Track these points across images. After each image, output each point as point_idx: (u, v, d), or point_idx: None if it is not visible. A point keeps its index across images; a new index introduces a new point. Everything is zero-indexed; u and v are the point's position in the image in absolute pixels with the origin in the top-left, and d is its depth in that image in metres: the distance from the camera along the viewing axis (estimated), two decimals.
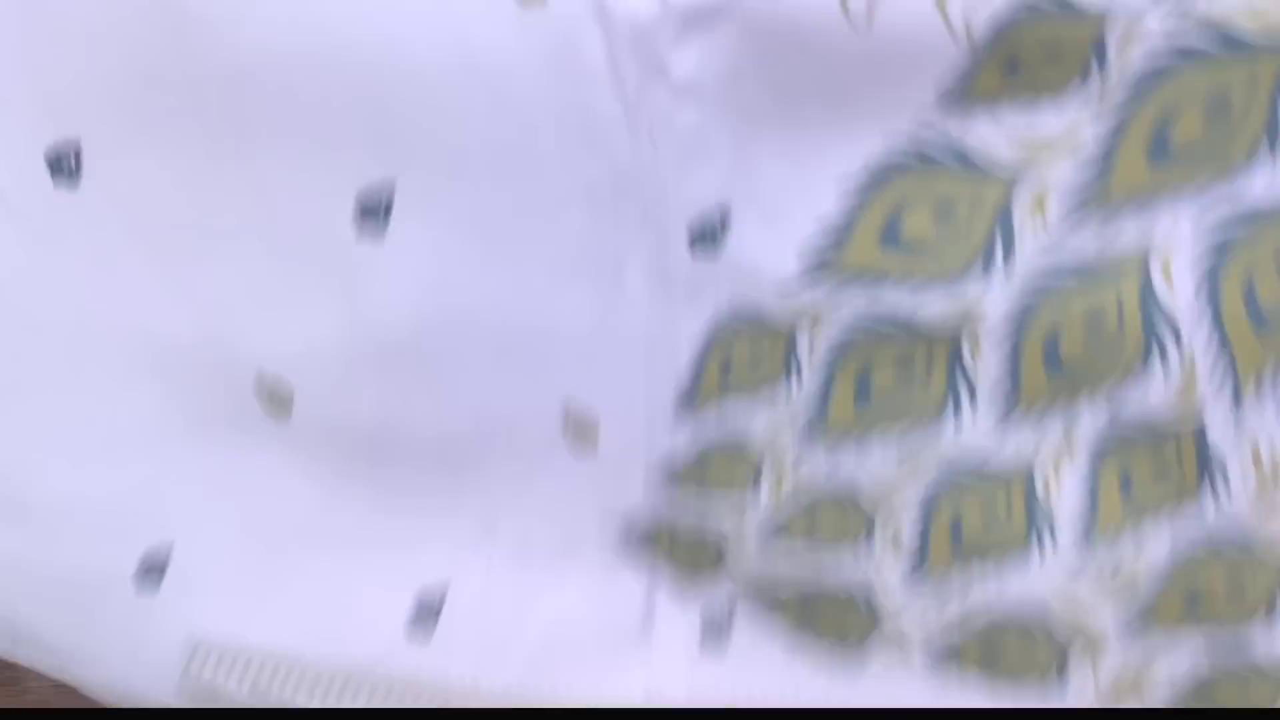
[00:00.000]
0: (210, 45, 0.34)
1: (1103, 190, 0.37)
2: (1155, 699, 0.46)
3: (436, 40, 0.34)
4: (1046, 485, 0.42)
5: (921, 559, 0.43)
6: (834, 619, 0.44)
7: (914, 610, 0.44)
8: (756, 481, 0.41)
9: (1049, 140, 0.36)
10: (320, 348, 0.38)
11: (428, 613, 0.41)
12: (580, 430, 0.40)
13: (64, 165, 0.36)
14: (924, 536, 0.43)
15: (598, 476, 0.40)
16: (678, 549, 0.42)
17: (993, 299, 0.39)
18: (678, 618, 0.43)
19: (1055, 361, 0.40)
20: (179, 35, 0.34)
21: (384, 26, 0.33)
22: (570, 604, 0.42)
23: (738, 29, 0.34)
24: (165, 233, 0.37)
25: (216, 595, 0.41)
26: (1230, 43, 0.34)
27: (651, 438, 0.40)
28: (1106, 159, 0.37)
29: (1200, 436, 0.40)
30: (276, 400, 0.38)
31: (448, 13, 0.34)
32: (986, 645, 0.45)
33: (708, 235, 0.37)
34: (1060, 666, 0.45)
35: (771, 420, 0.40)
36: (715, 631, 0.43)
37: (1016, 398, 0.40)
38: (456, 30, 0.34)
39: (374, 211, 0.36)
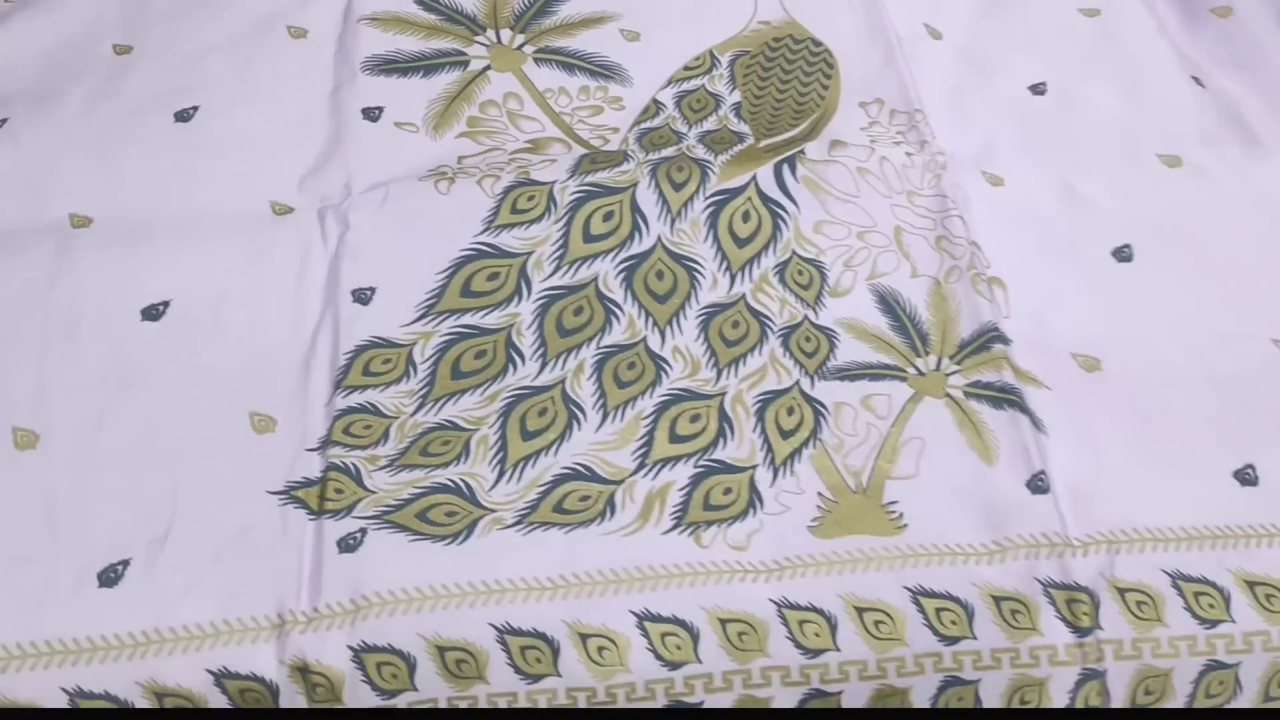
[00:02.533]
0: None
1: (567, 255, 0.73)
2: (673, 503, 0.62)
3: None
4: (573, 388, 0.67)
5: (503, 453, 0.65)
6: (445, 514, 0.62)
7: (501, 490, 0.63)
8: (385, 436, 0.66)
9: (536, 239, 0.74)
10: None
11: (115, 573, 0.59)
12: (265, 424, 0.66)
13: None
14: (503, 439, 0.65)
15: (275, 449, 0.64)
16: (328, 495, 0.63)
17: (524, 309, 0.71)
18: (321, 540, 0.62)
19: (563, 331, 0.70)
20: None
21: None
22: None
23: None
24: None
25: None
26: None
27: (311, 421, 0.66)
28: (564, 241, 0.73)
29: (649, 350, 0.68)
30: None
31: None
32: (555, 500, 0.63)
33: (361, 298, 0.71)
34: (609, 503, 0.63)
35: (396, 396, 0.67)
36: (349, 546, 0.61)
37: (545, 353, 0.69)
38: None
39: None
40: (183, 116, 0.78)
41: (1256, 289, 0.75)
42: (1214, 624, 0.62)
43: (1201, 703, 0.62)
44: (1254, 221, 0.78)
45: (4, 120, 0.76)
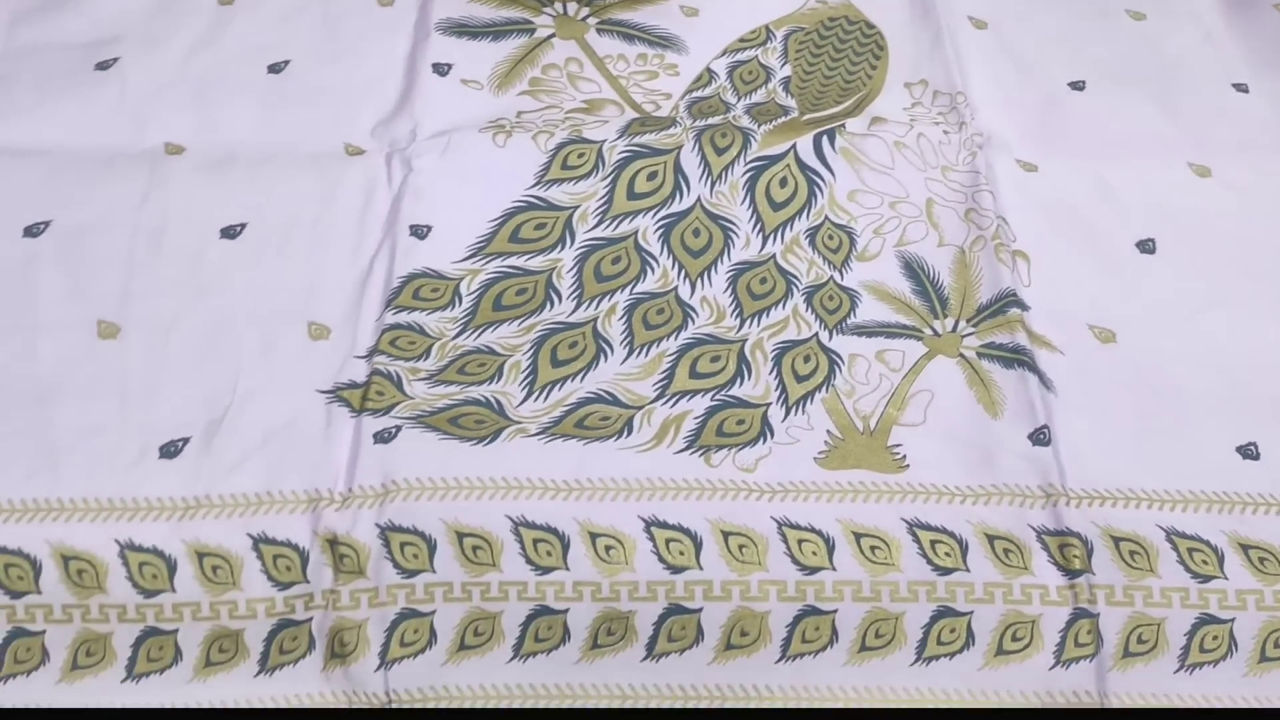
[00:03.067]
0: None
1: (611, 210, 0.78)
2: (687, 429, 0.67)
3: None
4: (604, 326, 0.72)
5: (533, 376, 0.70)
6: (474, 421, 0.68)
7: (528, 406, 0.69)
8: (428, 353, 0.72)
9: (583, 195, 0.79)
10: None
11: (175, 447, 0.66)
12: (320, 333, 0.73)
13: None
14: (534, 365, 0.71)
15: (327, 355, 0.71)
16: (369, 395, 0.69)
17: (566, 255, 0.76)
18: (360, 433, 0.68)
19: (600, 276, 0.75)
20: None
21: None
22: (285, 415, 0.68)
23: None
24: None
25: None
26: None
27: (361, 333, 0.72)
28: (610, 197, 0.79)
29: (678, 299, 0.73)
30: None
31: None
32: (577, 418, 0.68)
33: (419, 232, 0.77)
34: (627, 423, 0.68)
35: (440, 321, 0.73)
36: (385, 438, 0.68)
37: (581, 294, 0.74)
38: None
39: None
40: (275, 69, 0.85)
41: (1271, 289, 0.78)
42: (1207, 579, 0.65)
43: (1196, 657, 0.64)
44: (1275, 228, 0.81)
45: (115, 59, 0.84)
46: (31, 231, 0.74)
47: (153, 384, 0.68)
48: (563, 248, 0.77)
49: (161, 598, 0.61)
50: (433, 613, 0.62)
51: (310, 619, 0.61)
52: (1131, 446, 0.70)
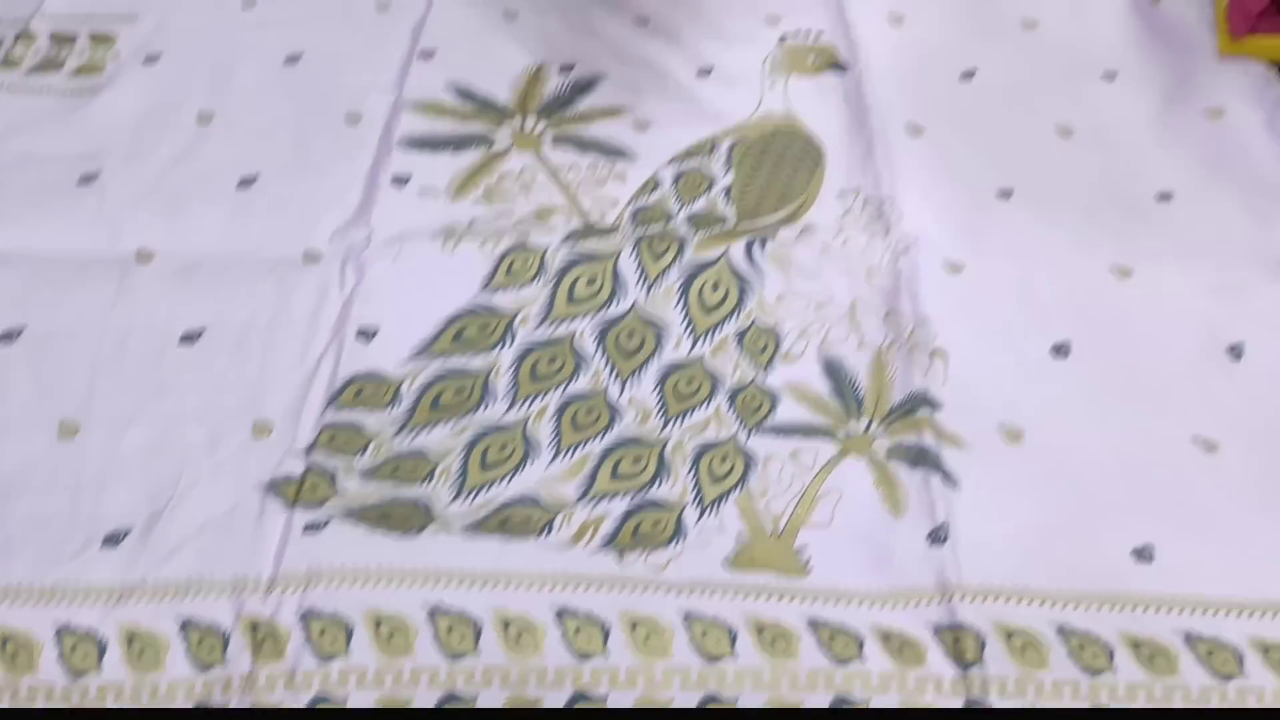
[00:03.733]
0: None
1: (551, 314, 0.84)
2: (604, 530, 0.72)
3: None
4: (533, 426, 0.78)
5: (462, 479, 0.75)
6: (402, 518, 0.73)
7: (456, 507, 0.74)
8: (364, 450, 0.77)
9: (526, 300, 0.85)
10: None
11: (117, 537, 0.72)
12: (263, 430, 0.78)
13: None
14: (464, 468, 0.76)
15: (268, 450, 0.76)
16: (304, 489, 0.75)
17: (505, 355, 0.82)
18: (291, 523, 0.73)
19: (536, 376, 0.81)
20: None
21: None
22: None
23: None
24: None
25: None
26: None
27: (302, 429, 0.78)
28: (550, 302, 0.85)
29: (607, 400, 0.78)
30: None
31: None
32: (501, 519, 0.73)
33: (366, 334, 0.83)
34: (548, 524, 0.72)
35: (379, 421, 0.79)
36: (313, 529, 0.72)
37: (515, 394, 0.80)
38: None
39: None
40: (245, 183, 0.92)
41: (1181, 390, 0.82)
42: (1098, 672, 0.69)
43: None
44: (1189, 331, 0.85)
45: (97, 172, 0.91)
46: (7, 337, 0.81)
47: (104, 479, 0.74)
48: (503, 348, 0.83)
49: (88, 679, 0.66)
50: (345, 698, 0.66)
51: (228, 701, 0.66)
52: (1029, 544, 0.73)
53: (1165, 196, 0.94)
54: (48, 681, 0.66)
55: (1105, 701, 0.68)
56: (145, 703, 0.64)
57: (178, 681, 0.66)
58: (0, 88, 0.98)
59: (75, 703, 0.64)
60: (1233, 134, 0.98)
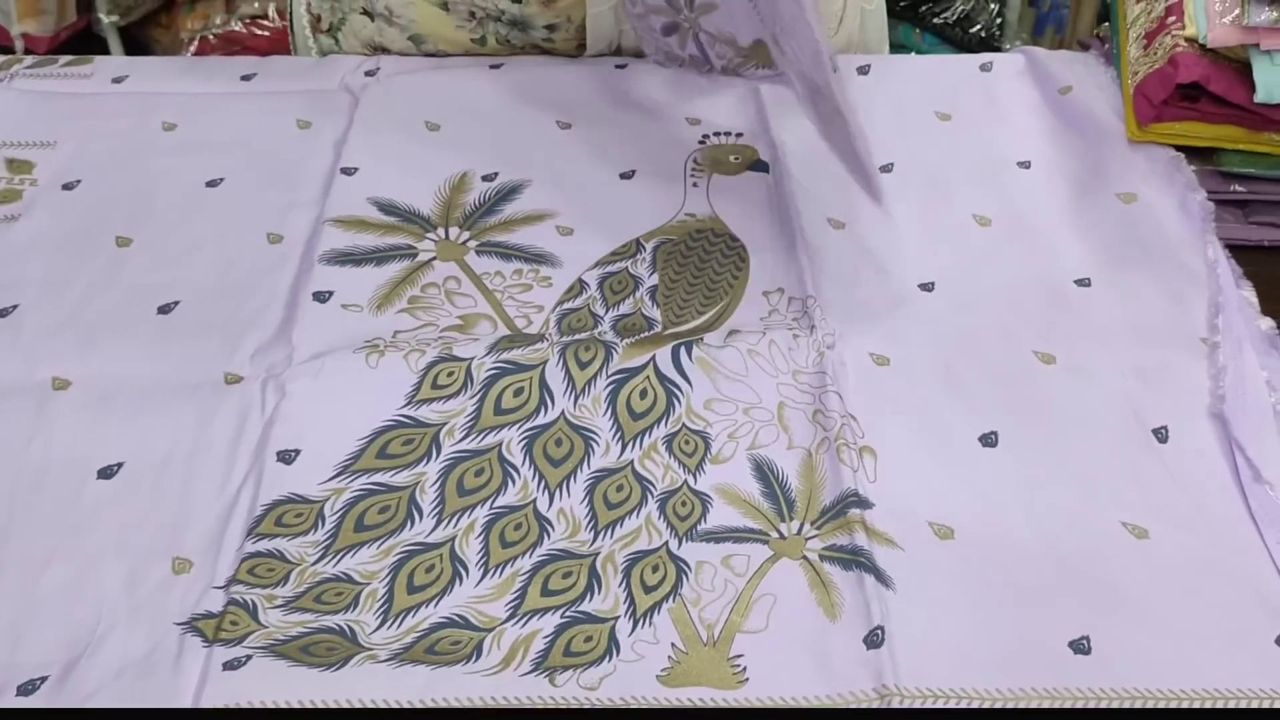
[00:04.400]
0: None
1: (478, 424, 0.84)
2: (535, 649, 0.71)
3: None
4: (461, 546, 0.77)
5: (388, 604, 0.74)
6: (326, 649, 0.72)
7: (381, 634, 0.73)
8: (286, 579, 0.76)
9: (451, 412, 0.85)
10: None
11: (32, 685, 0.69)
12: (183, 566, 0.77)
13: None
14: (390, 592, 0.75)
15: (187, 587, 0.75)
16: (223, 625, 0.73)
17: (431, 468, 0.82)
18: (210, 662, 0.71)
19: (462, 490, 0.80)
20: None
21: None
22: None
23: None
24: None
25: None
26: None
27: (222, 563, 0.76)
28: (477, 413, 0.85)
29: (536, 512, 0.78)
30: None
31: None
32: (428, 644, 0.72)
33: (287, 457, 0.82)
34: (477, 647, 0.71)
35: (301, 547, 0.78)
36: (234, 666, 0.71)
37: (442, 510, 0.79)
38: None
39: None
40: (165, 309, 0.92)
41: (1108, 476, 0.83)
42: None
43: None
44: (1114, 414, 0.86)
45: (15, 306, 0.91)
46: None
47: (20, 625, 0.72)
48: (428, 461, 0.82)
49: None
50: None
51: None
52: (965, 643, 0.73)
53: (1084, 282, 0.96)
54: None
55: None
56: None
57: None
58: None
59: None
60: (1147, 218, 1.00)
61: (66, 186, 1.02)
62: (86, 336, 0.89)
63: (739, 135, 1.09)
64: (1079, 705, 0.71)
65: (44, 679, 0.69)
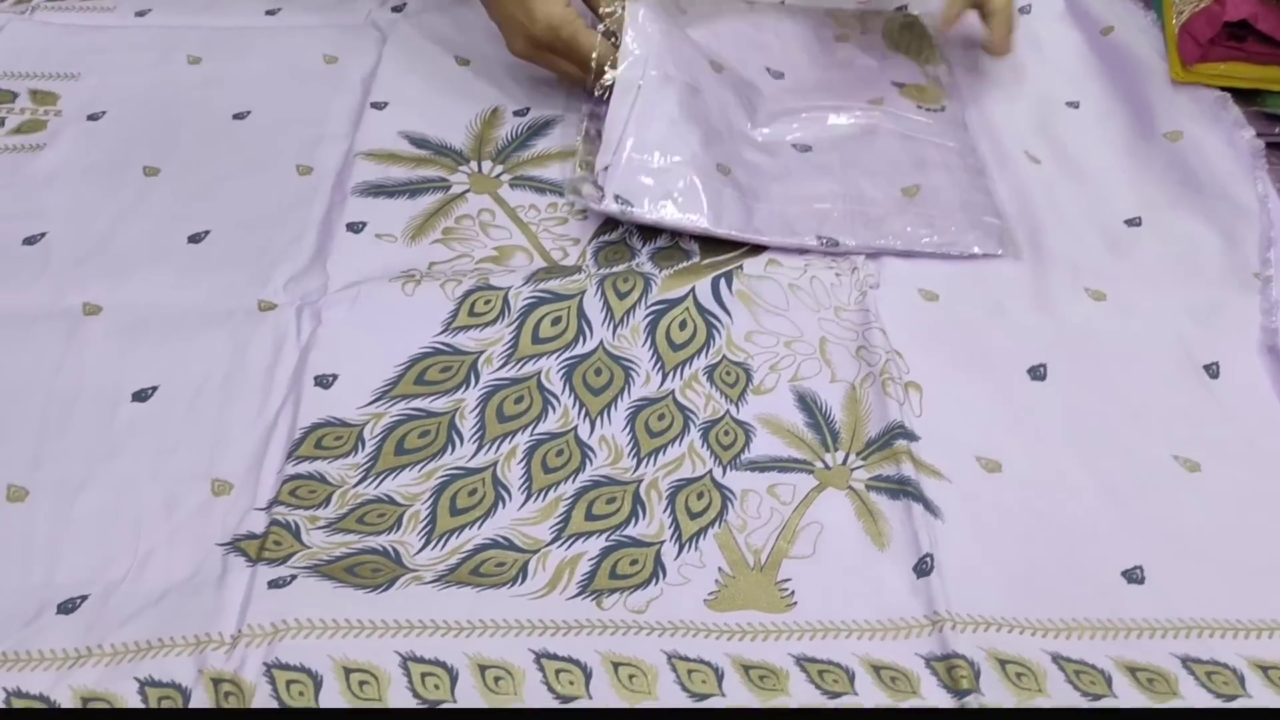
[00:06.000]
0: None
1: (516, 353, 0.84)
2: (581, 571, 0.71)
3: None
4: (503, 471, 0.77)
5: (431, 526, 0.74)
6: (370, 570, 0.72)
7: (425, 555, 0.73)
8: (327, 501, 0.76)
9: (489, 340, 0.85)
10: None
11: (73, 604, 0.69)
12: (223, 488, 0.77)
13: None
14: (433, 514, 0.75)
15: (228, 509, 0.75)
16: (267, 547, 0.73)
17: (469, 395, 0.82)
18: (254, 580, 0.71)
19: (502, 417, 0.80)
20: None
21: None
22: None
23: None
24: None
25: None
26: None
27: (263, 485, 0.77)
28: (514, 342, 0.85)
29: (577, 438, 0.78)
30: None
31: None
32: (473, 565, 0.72)
33: (325, 382, 0.82)
34: (522, 569, 0.72)
35: (342, 469, 0.78)
36: (279, 584, 0.71)
37: (483, 436, 0.79)
38: None
39: None
40: (195, 239, 0.91)
41: (1158, 410, 0.83)
42: (1097, 697, 0.68)
43: None
44: (1165, 352, 0.87)
45: (43, 234, 0.91)
46: None
47: (56, 546, 0.72)
48: (466, 388, 0.82)
49: None
50: None
51: None
52: (1017, 573, 0.73)
53: (1134, 222, 0.96)
54: None
55: None
56: None
57: None
58: None
59: None
60: (1195, 155, 1.00)
61: (92, 117, 1.01)
62: (116, 264, 0.89)
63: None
64: (1132, 636, 0.71)
65: (84, 598, 0.69)
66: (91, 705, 0.64)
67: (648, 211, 0.90)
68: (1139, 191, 0.99)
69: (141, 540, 0.72)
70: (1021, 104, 1.07)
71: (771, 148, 1.00)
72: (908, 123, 1.02)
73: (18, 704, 0.64)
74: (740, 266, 0.90)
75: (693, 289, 0.89)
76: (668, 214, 0.90)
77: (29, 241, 0.90)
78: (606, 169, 0.92)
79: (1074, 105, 1.07)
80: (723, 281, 0.89)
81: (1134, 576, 0.74)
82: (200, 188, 0.96)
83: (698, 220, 0.90)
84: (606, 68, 0.96)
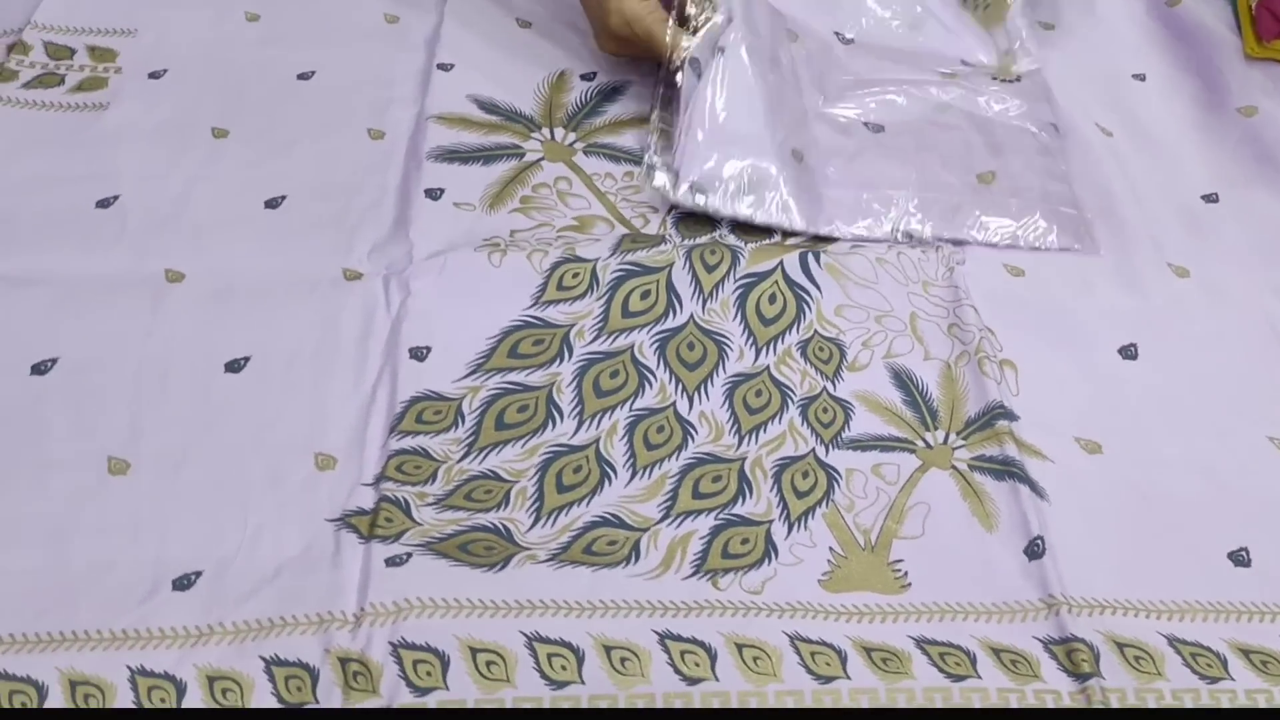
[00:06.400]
0: None
1: (607, 327, 0.83)
2: (693, 550, 0.71)
3: None
4: (606, 448, 0.76)
5: (539, 503, 0.74)
6: (484, 548, 0.71)
7: (536, 532, 0.72)
8: (434, 477, 0.75)
9: (579, 314, 0.84)
10: None
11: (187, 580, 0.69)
12: (327, 463, 0.76)
13: None
14: (540, 491, 0.74)
15: (334, 484, 0.74)
16: (378, 523, 0.72)
17: (565, 369, 0.81)
18: (370, 557, 0.70)
19: (600, 392, 0.79)
20: None
21: None
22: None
23: None
24: None
25: None
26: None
27: (368, 460, 0.76)
28: (605, 315, 0.83)
29: (677, 415, 0.77)
30: None
31: None
32: (585, 543, 0.72)
33: (419, 354, 0.81)
34: (634, 548, 0.71)
35: (444, 444, 0.77)
36: (396, 562, 0.70)
37: (582, 411, 0.78)
38: None
39: None
40: (271, 204, 0.89)
41: (1250, 391, 0.83)
42: (1215, 680, 0.69)
43: None
44: (1254, 331, 0.87)
45: (116, 197, 0.88)
46: (39, 369, 0.77)
47: (163, 519, 0.71)
48: (561, 362, 0.81)
49: None
50: None
51: None
52: (1126, 556, 0.74)
53: (1211, 198, 0.96)
54: None
55: (1227, 704, 0.68)
56: None
57: None
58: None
59: None
60: (1270, 130, 1.00)
61: (153, 75, 0.99)
62: (194, 230, 0.87)
63: None
64: (1243, 620, 0.72)
65: (198, 574, 0.68)
66: (217, 685, 0.64)
67: (722, 204, 0.89)
68: (1212, 167, 0.99)
69: (250, 515, 0.71)
70: (1088, 75, 1.06)
71: (844, 126, 0.99)
72: (982, 100, 1.01)
73: (142, 682, 0.63)
74: (828, 241, 0.89)
75: (780, 262, 0.88)
76: (742, 207, 0.89)
77: (102, 205, 0.88)
78: (679, 154, 0.90)
79: (1140, 78, 1.06)
80: (810, 256, 0.88)
81: (1240, 559, 0.74)
82: (271, 150, 0.94)
83: (773, 215, 0.89)
84: (683, 39, 0.94)
